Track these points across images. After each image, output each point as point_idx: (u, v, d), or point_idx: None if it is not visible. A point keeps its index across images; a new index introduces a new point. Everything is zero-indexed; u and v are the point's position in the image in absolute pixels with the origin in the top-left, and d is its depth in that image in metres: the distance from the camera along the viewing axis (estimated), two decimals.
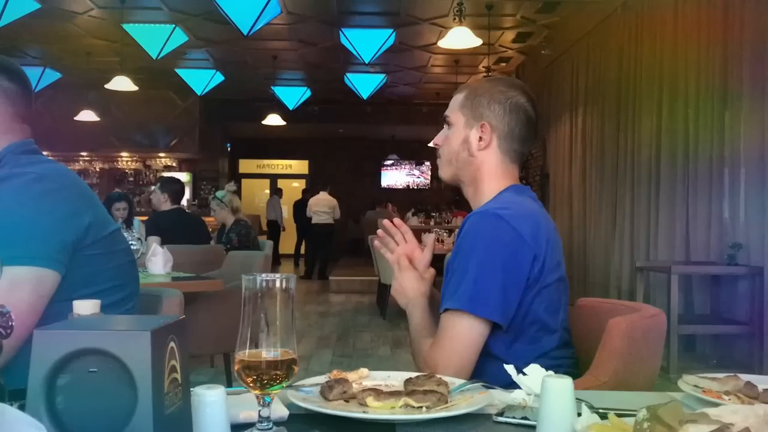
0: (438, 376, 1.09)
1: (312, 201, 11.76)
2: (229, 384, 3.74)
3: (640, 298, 5.03)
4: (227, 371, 3.75)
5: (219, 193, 5.71)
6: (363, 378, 1.16)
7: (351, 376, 1.14)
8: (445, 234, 7.71)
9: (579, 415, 0.81)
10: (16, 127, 1.49)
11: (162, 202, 5.02)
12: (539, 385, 0.86)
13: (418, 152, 16.56)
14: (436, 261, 6.13)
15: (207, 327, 3.25)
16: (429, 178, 17.04)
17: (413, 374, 1.12)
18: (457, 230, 6.47)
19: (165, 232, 4.68)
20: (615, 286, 6.66)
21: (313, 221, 11.64)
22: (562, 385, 0.83)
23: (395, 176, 17.27)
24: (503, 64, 11.02)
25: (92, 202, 1.45)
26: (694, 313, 5.15)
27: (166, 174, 13.99)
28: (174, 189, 5.09)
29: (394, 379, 1.15)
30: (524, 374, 1.01)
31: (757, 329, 4.38)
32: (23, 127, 1.52)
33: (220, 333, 3.33)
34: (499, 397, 1.06)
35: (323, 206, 11.58)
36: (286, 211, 14.86)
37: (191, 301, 3.18)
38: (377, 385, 1.09)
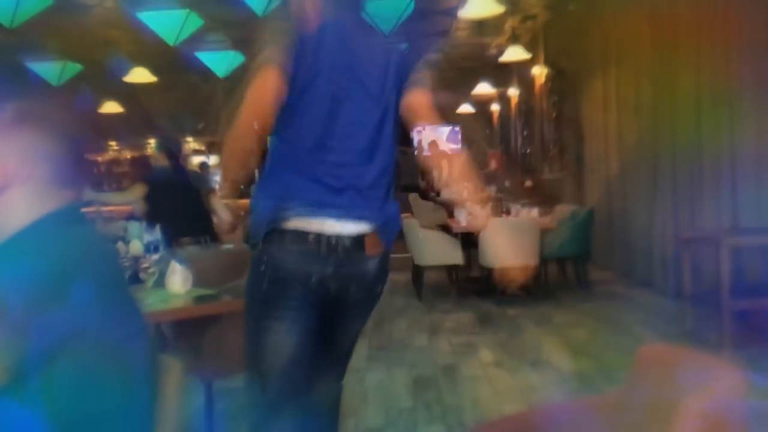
0: None
1: None
2: None
3: (687, 272, 4.77)
4: None
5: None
6: None
7: None
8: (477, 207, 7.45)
9: None
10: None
11: (157, 159, 5.02)
12: None
13: (447, 117, 16.19)
14: (471, 235, 5.82)
15: (234, 345, 3.13)
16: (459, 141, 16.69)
17: None
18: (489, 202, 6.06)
19: (157, 194, 4.69)
20: (659, 255, 6.38)
21: None
22: None
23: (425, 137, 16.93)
24: (529, 23, 10.58)
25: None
26: (745, 282, 4.87)
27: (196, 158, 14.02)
28: (170, 147, 5.04)
29: None
30: None
31: None
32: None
33: None
34: None
35: None
36: None
37: (214, 321, 3.07)
38: None
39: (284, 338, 1.79)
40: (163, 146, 5.06)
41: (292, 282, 1.74)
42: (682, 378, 1.22)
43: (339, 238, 1.74)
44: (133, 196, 4.95)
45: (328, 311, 1.85)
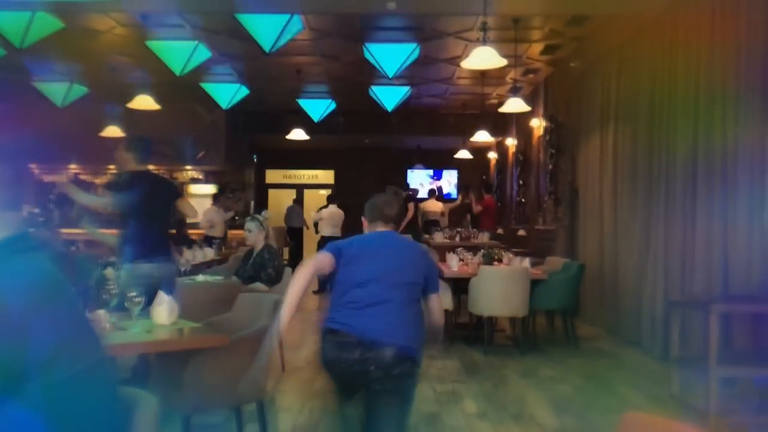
0: None
1: (325, 213, 11.86)
2: None
3: (675, 334, 4.76)
4: (239, 425, 3.59)
5: (261, 215, 5.74)
6: None
7: None
8: (469, 254, 7.46)
9: None
10: None
11: (126, 161, 4.60)
12: None
13: (445, 162, 16.35)
14: (461, 281, 5.86)
15: (214, 379, 3.10)
16: (456, 188, 16.78)
17: None
18: (481, 250, 6.27)
19: (123, 194, 4.41)
20: (648, 315, 6.37)
21: (324, 234, 11.78)
22: None
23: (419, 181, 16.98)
24: (531, 76, 10.77)
25: None
26: (733, 348, 4.86)
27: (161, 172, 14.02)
28: (140, 148, 4.63)
29: None
30: None
31: None
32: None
33: (229, 386, 3.18)
34: None
35: (337, 219, 11.76)
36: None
37: (196, 354, 3.04)
38: None
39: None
40: (132, 147, 4.66)
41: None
42: None
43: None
44: (106, 199, 4.67)
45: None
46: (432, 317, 2.91)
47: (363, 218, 2.91)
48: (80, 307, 1.35)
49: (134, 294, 2.95)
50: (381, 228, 2.86)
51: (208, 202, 14.34)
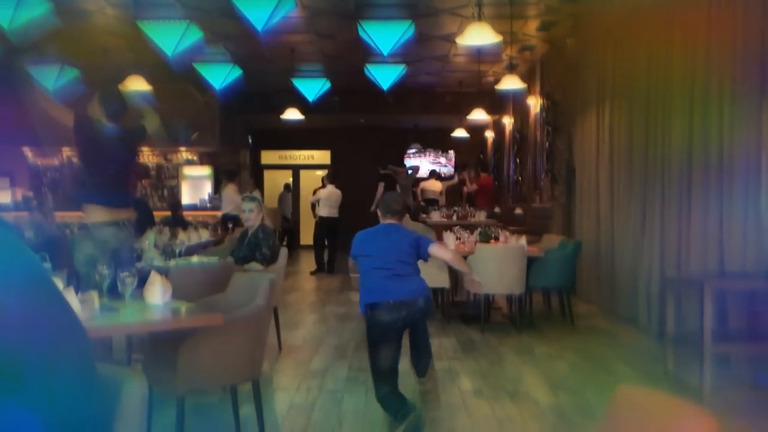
0: None
1: (322, 194, 11.78)
2: (237, 419, 3.59)
3: (671, 312, 4.76)
4: (234, 405, 3.59)
5: (257, 194, 5.71)
6: None
7: None
8: (466, 233, 7.44)
9: None
10: None
11: (97, 114, 4.54)
12: None
13: (441, 141, 16.29)
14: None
15: (209, 360, 3.09)
16: (453, 167, 16.73)
17: None
18: (478, 228, 6.62)
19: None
20: (644, 293, 6.37)
21: (321, 214, 11.70)
22: None
23: (421, 164, 16.91)
24: (527, 53, 10.68)
25: None
26: (728, 327, 4.86)
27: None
28: (113, 107, 4.58)
29: None
30: None
31: None
32: None
33: (224, 366, 3.18)
34: None
35: (334, 200, 11.66)
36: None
37: (191, 334, 3.03)
38: None
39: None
40: (103, 100, 4.60)
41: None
42: (659, 426, 1.20)
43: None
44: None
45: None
46: (445, 260, 4.06)
47: (378, 211, 4.03)
48: (49, 285, 1.25)
49: (126, 275, 2.92)
50: (389, 220, 3.95)
51: (204, 184, 14.34)
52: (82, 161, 4.67)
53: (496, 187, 14.55)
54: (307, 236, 14.70)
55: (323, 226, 11.73)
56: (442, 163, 16.86)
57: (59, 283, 2.63)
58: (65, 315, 1.18)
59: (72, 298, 2.65)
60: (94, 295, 2.82)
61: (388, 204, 3.97)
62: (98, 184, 4.50)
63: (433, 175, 14.56)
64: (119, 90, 4.86)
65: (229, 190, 11.45)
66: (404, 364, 5.26)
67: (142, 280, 3.15)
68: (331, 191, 11.72)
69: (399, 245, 3.81)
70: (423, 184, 14.09)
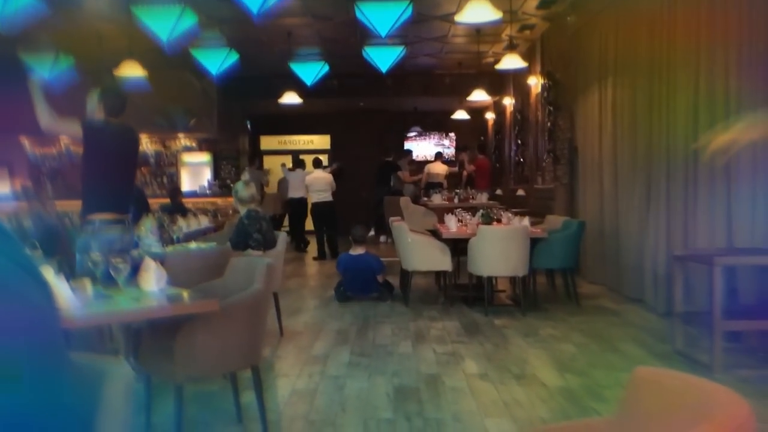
0: None
1: (309, 179, 11.56)
2: (237, 407, 3.52)
3: (679, 290, 4.67)
4: (234, 392, 3.52)
5: (245, 175, 5.68)
6: None
7: None
8: (467, 215, 7.36)
9: None
10: None
11: (95, 111, 4.36)
12: None
13: (442, 123, 16.15)
14: (460, 242, 6.03)
15: (207, 347, 3.01)
16: (454, 149, 16.60)
17: None
18: (480, 210, 6.70)
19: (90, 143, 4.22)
20: (651, 271, 6.28)
21: (313, 200, 11.50)
22: None
23: (423, 148, 16.74)
24: (527, 32, 10.52)
25: None
26: (738, 302, 4.78)
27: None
28: (112, 101, 4.37)
29: None
30: None
31: None
32: None
33: (223, 352, 3.10)
34: None
35: (322, 184, 11.41)
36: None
37: (187, 321, 2.95)
38: None
39: None
40: (104, 97, 4.42)
41: None
42: (684, 408, 1.11)
43: None
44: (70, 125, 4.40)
45: None
46: None
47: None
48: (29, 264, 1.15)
49: (119, 260, 2.84)
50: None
51: (204, 170, 14.24)
52: (94, 171, 4.30)
53: (494, 168, 14.45)
54: (310, 221, 14.57)
55: (315, 212, 11.58)
56: (446, 145, 16.70)
57: (49, 271, 2.54)
58: (24, 308, 1.08)
59: (63, 286, 2.57)
60: (87, 283, 2.74)
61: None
62: (108, 192, 4.24)
63: (439, 157, 14.42)
64: (119, 85, 4.67)
65: (250, 171, 11.21)
66: (406, 348, 5.25)
67: (138, 267, 3.07)
68: (317, 176, 11.48)
69: None
70: (428, 167, 13.96)
